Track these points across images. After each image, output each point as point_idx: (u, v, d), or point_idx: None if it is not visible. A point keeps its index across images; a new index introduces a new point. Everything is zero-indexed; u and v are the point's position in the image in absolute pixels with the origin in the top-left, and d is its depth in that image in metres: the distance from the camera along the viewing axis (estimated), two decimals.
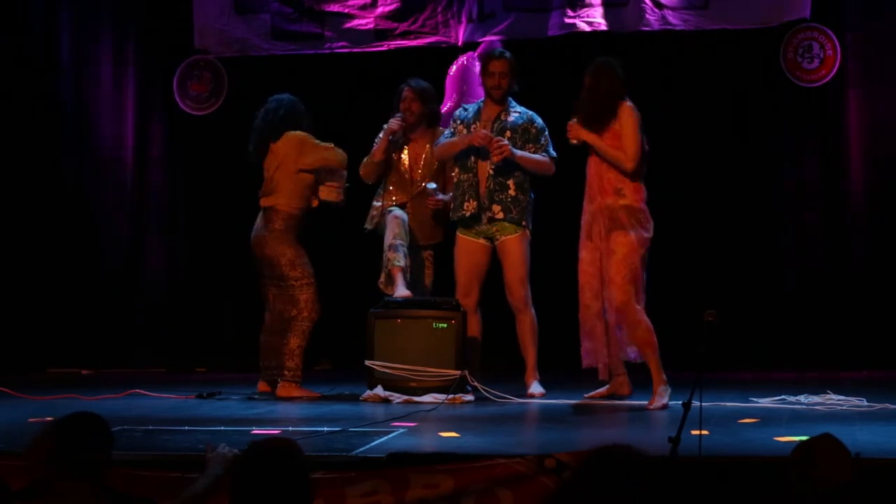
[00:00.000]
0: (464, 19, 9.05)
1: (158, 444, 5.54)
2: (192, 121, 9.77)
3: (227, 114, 9.52)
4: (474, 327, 7.63)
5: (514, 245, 7.58)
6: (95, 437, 3.83)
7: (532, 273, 7.64)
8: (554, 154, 7.63)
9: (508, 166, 7.54)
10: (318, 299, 7.61)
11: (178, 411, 6.97)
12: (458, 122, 7.75)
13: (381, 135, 7.90)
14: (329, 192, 7.69)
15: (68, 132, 9.83)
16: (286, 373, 7.53)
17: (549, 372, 7.70)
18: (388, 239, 7.63)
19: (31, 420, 6.16)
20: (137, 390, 7.73)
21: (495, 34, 8.96)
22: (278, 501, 3.49)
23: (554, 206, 7.90)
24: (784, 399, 6.97)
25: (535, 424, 6.71)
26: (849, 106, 8.97)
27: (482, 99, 7.80)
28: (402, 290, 7.48)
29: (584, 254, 7.11)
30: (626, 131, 6.95)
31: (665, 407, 6.76)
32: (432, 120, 8.02)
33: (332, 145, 7.68)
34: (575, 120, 7.05)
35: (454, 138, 7.68)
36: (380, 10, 9.21)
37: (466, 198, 7.61)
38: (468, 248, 7.66)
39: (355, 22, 9.24)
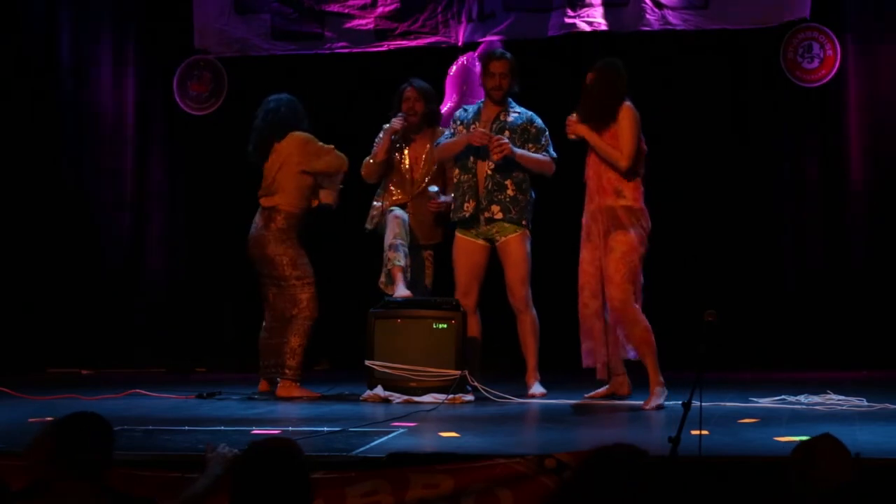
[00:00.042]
0: (464, 19, 9.05)
1: (158, 444, 5.54)
2: (192, 121, 9.78)
3: (227, 114, 9.53)
4: (474, 327, 7.63)
5: (515, 245, 7.58)
6: (95, 437, 3.83)
7: (532, 273, 7.64)
8: (554, 154, 7.63)
9: (508, 166, 7.54)
10: (318, 299, 7.61)
11: (178, 411, 6.97)
12: (458, 122, 7.75)
13: (381, 135, 7.90)
14: (328, 196, 7.71)
15: (68, 132, 9.83)
16: (287, 371, 7.53)
17: (549, 372, 7.69)
18: (389, 239, 7.64)
19: (31, 420, 6.16)
20: (137, 390, 7.73)
21: (495, 34, 8.96)
22: (278, 501, 3.49)
23: (554, 206, 7.90)
24: (784, 399, 6.97)
25: (535, 424, 6.71)
26: (849, 106, 8.97)
27: (482, 100, 7.80)
28: (402, 290, 7.48)
29: (585, 253, 7.11)
30: (623, 130, 6.95)
31: (660, 408, 6.76)
32: (432, 120, 8.03)
33: (334, 148, 7.69)
34: (575, 116, 7.05)
35: (453, 139, 7.68)
36: (380, 10, 9.21)
37: (466, 198, 7.61)
38: (467, 249, 7.66)
39: (355, 22, 9.24)
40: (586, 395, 7.25)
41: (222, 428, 5.94)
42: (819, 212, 9.06)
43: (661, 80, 8.82)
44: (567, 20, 8.90)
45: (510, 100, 7.67)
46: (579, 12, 8.89)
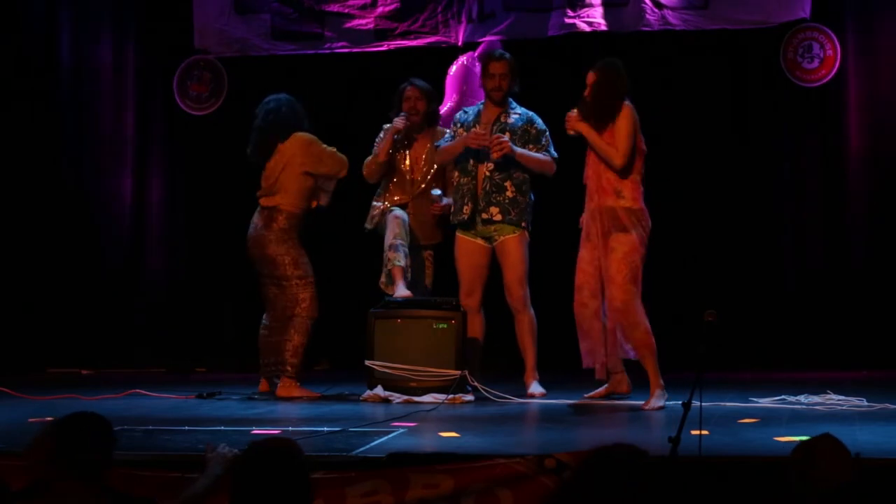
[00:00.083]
0: (464, 19, 9.05)
1: (158, 444, 5.54)
2: (192, 121, 9.78)
3: (227, 114, 9.53)
4: (477, 327, 7.63)
5: (513, 245, 7.58)
6: (95, 437, 3.83)
7: (532, 273, 7.64)
8: (555, 154, 7.63)
9: (508, 166, 7.54)
10: (318, 299, 7.62)
11: (178, 411, 6.97)
12: (458, 125, 7.75)
13: (381, 135, 7.90)
14: (322, 197, 7.74)
15: (68, 132, 9.83)
16: (288, 368, 7.54)
17: (549, 372, 7.70)
18: (389, 239, 7.64)
19: (31, 420, 6.16)
20: (137, 390, 7.73)
21: (495, 34, 8.96)
22: (278, 501, 3.49)
23: (554, 207, 7.90)
24: (784, 399, 6.97)
25: (535, 424, 6.71)
26: (849, 106, 8.97)
27: (482, 101, 7.80)
28: (402, 290, 7.48)
29: (583, 253, 7.11)
30: (619, 129, 6.96)
31: (660, 409, 6.76)
32: (433, 120, 8.03)
33: (336, 150, 7.71)
34: (575, 112, 7.05)
35: (452, 142, 7.69)
36: (380, 10, 9.21)
37: (465, 201, 7.61)
38: (468, 249, 7.66)
39: (355, 22, 9.24)
40: (585, 396, 7.25)
41: (222, 428, 5.94)
42: (819, 212, 9.06)
43: (661, 80, 8.81)
44: (567, 20, 8.90)
45: (511, 100, 7.67)
46: (579, 12, 8.89)
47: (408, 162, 7.94)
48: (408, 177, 7.92)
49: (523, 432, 6.44)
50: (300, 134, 7.66)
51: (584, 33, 8.90)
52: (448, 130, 7.88)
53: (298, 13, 9.33)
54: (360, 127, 8.41)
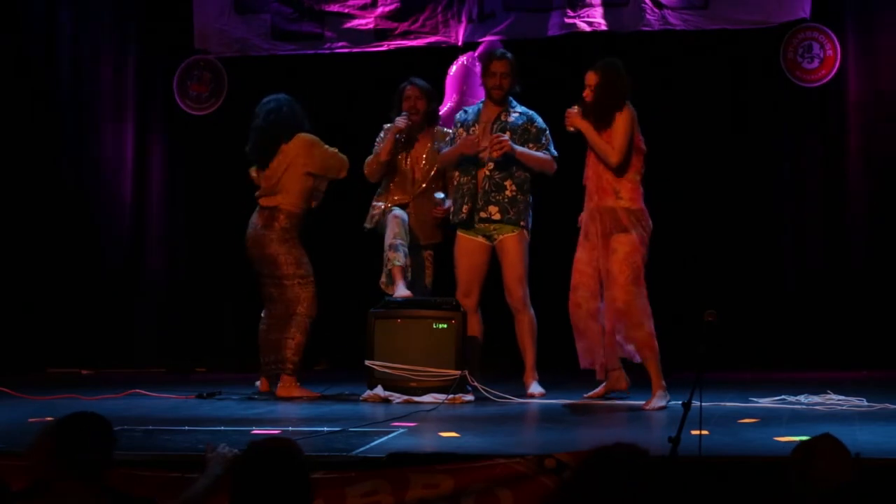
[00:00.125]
0: (464, 19, 9.05)
1: (158, 444, 5.54)
2: (192, 121, 9.77)
3: (227, 114, 9.52)
4: (475, 327, 7.63)
5: (512, 245, 7.58)
6: (96, 437, 3.83)
7: (532, 273, 7.64)
8: (555, 153, 7.63)
9: (508, 165, 7.54)
10: (318, 298, 7.63)
11: (178, 411, 6.97)
12: (459, 125, 7.75)
13: (382, 134, 7.90)
14: (317, 197, 7.75)
15: (68, 132, 9.83)
16: (289, 366, 7.53)
17: (549, 372, 7.70)
18: (389, 238, 7.64)
19: (31, 420, 6.16)
20: (137, 390, 7.73)
21: (495, 34, 8.96)
22: (278, 501, 3.49)
23: (554, 207, 7.90)
24: (784, 399, 6.97)
25: (535, 424, 6.71)
26: (849, 106, 8.97)
27: (482, 100, 7.81)
28: (402, 290, 7.48)
29: (581, 253, 7.11)
30: (617, 127, 6.96)
31: (661, 409, 6.76)
32: (433, 119, 8.03)
33: (337, 151, 7.72)
34: (576, 108, 7.05)
35: (449, 149, 7.70)
36: (380, 10, 9.21)
37: (465, 200, 7.61)
38: (468, 248, 7.66)
39: (355, 22, 9.24)
40: (585, 396, 7.25)
41: (222, 428, 5.95)
42: (819, 212, 9.06)
43: (661, 80, 8.81)
44: (567, 20, 8.90)
45: (511, 99, 7.67)
46: (579, 12, 8.89)
47: (408, 161, 7.94)
48: (409, 176, 7.92)
49: (523, 432, 6.44)
50: (303, 135, 7.67)
51: (584, 33, 8.90)
52: (449, 130, 7.88)
53: (298, 13, 9.33)
54: (360, 127, 8.41)
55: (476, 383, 7.31)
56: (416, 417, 6.42)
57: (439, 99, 8.41)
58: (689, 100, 9.04)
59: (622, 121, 6.96)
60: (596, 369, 7.15)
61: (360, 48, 9.25)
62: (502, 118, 7.62)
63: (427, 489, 4.83)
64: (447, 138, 7.85)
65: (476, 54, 8.84)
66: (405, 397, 7.17)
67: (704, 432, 4.87)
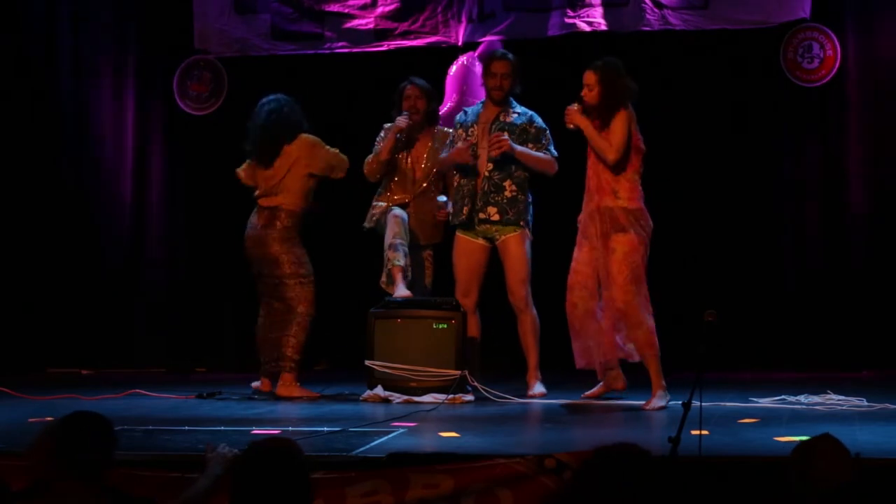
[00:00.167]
0: (464, 19, 9.05)
1: (158, 444, 5.54)
2: (192, 121, 9.77)
3: (227, 114, 9.52)
4: (473, 327, 7.63)
5: (515, 245, 7.58)
6: (96, 437, 3.83)
7: (532, 273, 7.63)
8: (555, 153, 7.63)
9: (508, 165, 7.54)
10: (317, 298, 7.64)
11: (178, 411, 6.97)
12: (459, 126, 7.76)
13: (382, 133, 7.90)
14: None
15: (68, 132, 9.83)
16: (290, 364, 7.54)
17: (550, 372, 7.69)
18: (388, 238, 7.64)
19: (31, 420, 6.16)
20: (137, 390, 7.74)
21: (495, 34, 8.96)
22: (278, 501, 3.50)
23: (553, 207, 7.89)
24: (784, 399, 6.97)
25: (535, 424, 6.71)
26: (849, 106, 8.97)
27: (482, 100, 7.81)
28: (402, 290, 7.48)
29: (579, 253, 7.11)
30: (615, 125, 6.96)
31: (661, 409, 6.75)
32: (433, 118, 8.03)
33: (338, 151, 7.73)
34: (576, 106, 7.05)
35: (444, 156, 7.70)
36: (380, 10, 9.20)
37: (465, 202, 7.61)
38: (467, 249, 7.66)
39: (355, 22, 9.24)
40: (583, 395, 7.26)
41: (222, 428, 5.95)
42: (819, 212, 9.06)
43: (661, 80, 8.80)
44: (567, 20, 8.90)
45: (512, 100, 7.67)
46: (579, 12, 8.88)
47: (409, 161, 7.94)
48: (409, 176, 7.92)
49: (523, 432, 6.44)
50: (305, 136, 7.69)
51: (584, 33, 8.90)
52: (450, 130, 7.89)
53: (298, 13, 9.32)
54: (360, 127, 8.41)
55: (476, 383, 7.31)
56: (416, 417, 6.41)
57: (439, 99, 8.41)
58: (689, 100, 9.04)
59: (620, 119, 6.96)
60: (596, 369, 7.15)
61: (360, 48, 9.24)
62: (501, 118, 7.62)
63: (427, 489, 4.83)
64: (448, 139, 7.85)
65: (476, 54, 8.84)
66: (405, 397, 7.18)
67: (704, 432, 4.87)
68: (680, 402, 4.82)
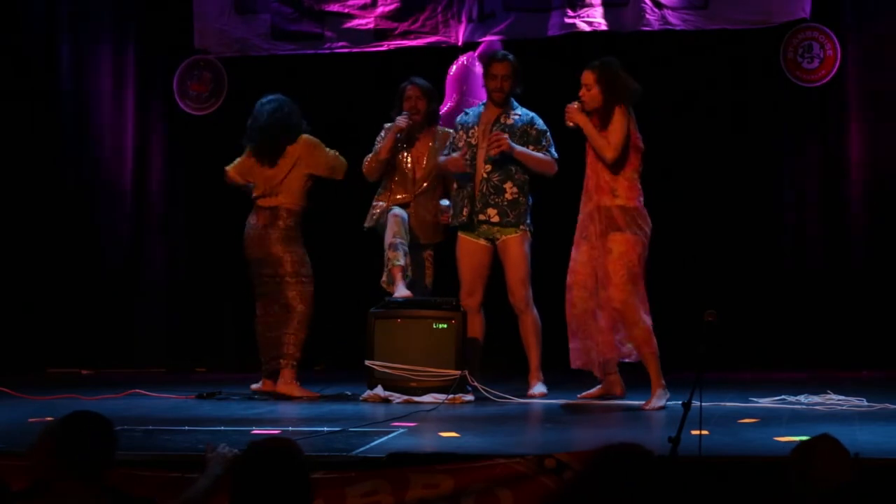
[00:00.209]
0: (464, 19, 9.04)
1: (158, 444, 5.54)
2: (192, 121, 9.77)
3: (227, 114, 9.52)
4: (477, 327, 7.63)
5: (515, 245, 7.58)
6: (96, 437, 3.83)
7: (533, 273, 7.63)
8: (556, 155, 7.63)
9: (508, 166, 7.54)
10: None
11: (178, 411, 6.97)
12: (459, 127, 7.76)
13: (383, 133, 7.90)
14: None
15: (68, 132, 9.83)
16: (291, 361, 7.54)
17: (550, 372, 7.69)
18: (388, 237, 7.64)
19: (31, 420, 6.16)
20: (137, 390, 7.74)
21: (495, 34, 8.96)
22: (278, 501, 3.49)
23: (554, 207, 7.89)
24: (784, 399, 6.97)
25: (535, 424, 6.71)
26: (849, 106, 8.97)
27: (483, 101, 7.81)
28: (402, 290, 7.48)
29: (577, 253, 7.11)
30: (613, 124, 6.96)
31: (661, 409, 6.75)
32: (433, 119, 8.03)
33: (338, 153, 7.75)
34: (576, 104, 7.05)
35: (443, 158, 7.69)
36: (380, 10, 9.20)
37: (465, 203, 7.62)
38: (469, 249, 7.67)
39: (355, 22, 9.24)
40: (580, 395, 7.25)
41: (222, 428, 5.95)
42: (819, 212, 9.06)
43: (661, 80, 8.80)
44: (567, 20, 8.90)
45: (513, 101, 7.68)
46: (579, 12, 8.88)
47: (409, 161, 7.94)
48: (409, 176, 7.92)
49: (523, 432, 6.43)
50: (307, 136, 7.72)
51: (584, 33, 8.90)
52: (451, 131, 7.89)
53: (298, 13, 9.32)
54: (360, 127, 8.41)
55: (476, 383, 7.31)
56: (416, 417, 6.41)
57: (440, 98, 8.41)
58: (689, 100, 9.04)
59: (619, 118, 6.96)
60: (594, 370, 7.14)
61: (360, 48, 9.24)
62: (502, 120, 7.62)
63: (427, 489, 4.83)
64: (449, 139, 7.85)
65: (476, 54, 8.84)
66: (405, 397, 7.18)
67: (704, 432, 4.87)
68: (680, 402, 4.82)
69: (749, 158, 9.08)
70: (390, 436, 5.70)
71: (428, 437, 5.90)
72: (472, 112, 7.81)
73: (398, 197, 7.91)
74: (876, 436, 5.56)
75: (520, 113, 7.66)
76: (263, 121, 7.71)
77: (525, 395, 7.39)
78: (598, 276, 7.01)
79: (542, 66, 8.69)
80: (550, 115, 7.59)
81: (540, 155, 7.59)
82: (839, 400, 6.84)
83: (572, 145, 7.31)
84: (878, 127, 8.93)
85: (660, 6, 8.78)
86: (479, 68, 8.54)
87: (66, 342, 9.55)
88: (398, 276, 7.53)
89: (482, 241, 7.64)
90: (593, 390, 7.23)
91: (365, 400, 7.27)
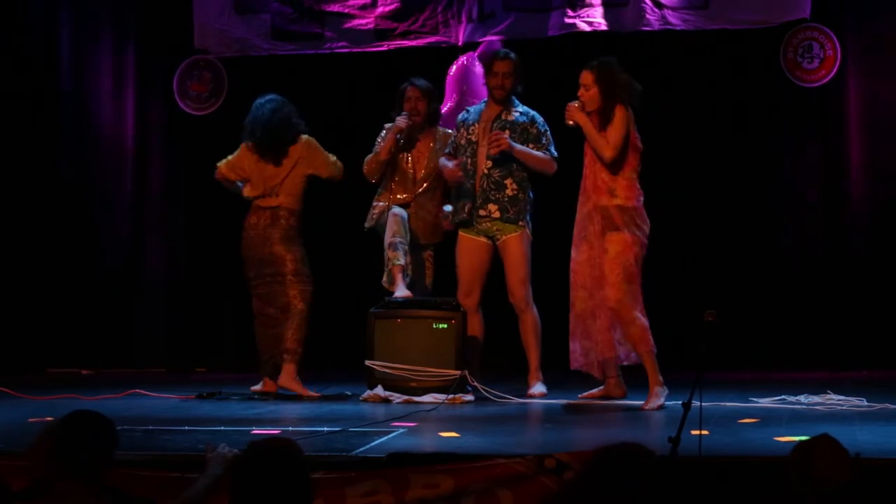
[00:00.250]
0: (464, 19, 9.05)
1: (158, 444, 5.53)
2: (192, 121, 9.77)
3: (227, 114, 9.52)
4: (475, 327, 7.63)
5: (515, 245, 7.58)
6: (96, 437, 3.83)
7: (533, 273, 7.63)
8: (555, 154, 7.64)
9: (507, 164, 7.55)
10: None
11: (178, 411, 6.97)
12: (461, 125, 7.76)
13: (383, 133, 7.90)
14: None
15: (68, 132, 9.84)
16: (293, 356, 7.54)
17: (550, 372, 7.69)
18: (388, 237, 7.64)
19: (31, 420, 6.16)
20: (137, 390, 7.74)
21: (495, 34, 8.96)
22: (278, 501, 3.49)
23: (554, 206, 7.89)
24: (784, 399, 6.96)
25: (535, 424, 6.71)
26: (849, 106, 8.97)
27: (485, 99, 7.81)
28: (402, 290, 7.48)
29: (577, 253, 7.11)
30: (612, 124, 6.96)
31: (661, 407, 6.75)
32: (434, 119, 8.03)
33: (335, 157, 7.76)
34: (577, 103, 7.05)
35: (442, 161, 7.69)
36: (380, 10, 9.20)
37: (466, 200, 7.62)
38: (469, 247, 7.67)
39: (355, 22, 9.24)
40: (581, 396, 7.25)
41: (222, 428, 5.95)
42: (819, 211, 9.06)
43: (661, 80, 8.80)
44: (567, 20, 8.90)
45: (514, 99, 7.68)
46: (579, 12, 8.88)
47: (410, 162, 7.94)
48: (410, 176, 7.92)
49: (523, 432, 6.43)
50: (306, 137, 7.74)
51: (584, 33, 8.90)
52: (451, 131, 7.89)
53: (298, 13, 9.32)
54: (360, 127, 8.41)
55: (476, 383, 7.31)
56: (416, 417, 6.41)
57: (440, 99, 8.41)
58: (689, 100, 9.04)
59: (618, 118, 6.97)
60: (594, 371, 7.14)
61: (360, 48, 9.24)
62: (503, 117, 7.63)
63: (427, 489, 4.83)
64: (450, 140, 7.86)
65: (476, 54, 8.84)
66: (405, 397, 7.18)
67: (704, 432, 4.86)
68: (680, 402, 4.82)
69: (749, 158, 9.08)
70: (390, 436, 5.69)
71: (428, 437, 5.90)
72: (473, 110, 7.81)
73: (399, 197, 7.91)
74: (876, 436, 5.56)
75: (521, 111, 7.67)
76: (267, 118, 7.71)
77: (525, 395, 7.39)
78: (595, 276, 7.01)
79: (542, 66, 8.69)
80: (550, 115, 7.59)
81: (540, 154, 7.59)
82: (839, 400, 6.84)
83: (573, 145, 7.31)
84: (878, 127, 8.94)
85: (660, 6, 8.78)
86: (479, 68, 8.54)
87: (66, 342, 9.55)
88: (398, 275, 7.53)
89: (482, 239, 7.64)
90: (594, 391, 7.23)
91: (365, 400, 7.27)
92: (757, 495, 4.57)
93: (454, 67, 8.85)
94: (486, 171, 7.58)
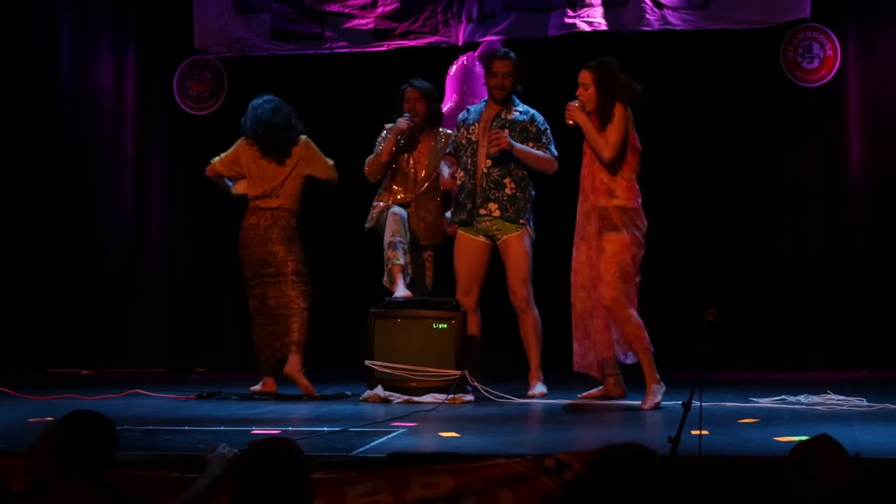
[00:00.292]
0: (464, 19, 9.05)
1: (158, 444, 5.54)
2: (192, 121, 9.77)
3: (227, 114, 9.51)
4: (474, 327, 7.63)
5: (516, 244, 7.58)
6: (96, 437, 3.83)
7: (533, 272, 7.63)
8: (556, 153, 7.64)
9: (507, 163, 7.55)
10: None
11: (178, 411, 6.97)
12: (461, 125, 7.77)
13: (384, 134, 7.90)
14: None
15: (68, 132, 9.84)
16: (297, 347, 7.55)
17: (550, 372, 7.69)
18: (388, 237, 7.65)
19: (31, 420, 6.16)
20: (137, 390, 7.74)
21: (495, 34, 8.96)
22: (278, 501, 3.49)
23: (554, 206, 7.89)
24: (784, 399, 6.96)
25: (535, 424, 6.71)
26: (849, 106, 8.97)
27: (485, 99, 7.82)
28: (402, 290, 7.49)
29: (577, 253, 7.12)
30: (612, 124, 6.97)
31: (658, 405, 6.74)
32: (435, 119, 8.03)
33: (332, 162, 7.79)
34: (577, 102, 7.05)
35: (441, 164, 7.69)
36: (380, 10, 9.21)
37: (467, 199, 7.62)
38: (468, 246, 7.66)
39: (355, 22, 9.24)
40: (580, 396, 7.25)
41: (222, 428, 5.95)
42: (819, 212, 9.06)
43: (661, 80, 8.80)
44: (567, 20, 8.91)
45: (515, 98, 7.68)
46: (579, 12, 8.89)
47: (410, 162, 7.95)
48: (410, 176, 7.93)
49: (523, 432, 6.43)
50: (305, 138, 7.76)
51: (584, 33, 8.90)
52: (451, 132, 7.89)
53: (298, 13, 9.33)
54: (360, 127, 8.41)
55: (476, 383, 7.31)
56: (416, 417, 6.41)
57: (440, 99, 8.41)
58: (689, 100, 9.04)
59: (617, 118, 6.97)
60: (594, 372, 7.14)
61: (360, 48, 9.25)
62: (503, 116, 7.63)
63: (427, 489, 4.83)
64: (450, 140, 7.86)
65: (476, 54, 8.84)
66: (405, 397, 7.18)
67: (704, 432, 4.87)
68: (680, 402, 4.82)
69: (749, 158, 9.08)
70: (390, 436, 5.69)
71: (428, 437, 5.90)
72: (474, 109, 7.82)
73: (399, 197, 7.92)
74: (876, 436, 5.56)
75: (521, 110, 7.67)
76: (268, 118, 7.71)
77: (525, 395, 7.39)
78: (593, 276, 7.01)
79: (542, 66, 8.69)
80: (550, 115, 7.59)
81: (540, 153, 7.59)
82: (839, 400, 6.84)
83: (573, 144, 7.31)
84: (878, 127, 8.94)
85: (660, 6, 8.78)
86: (479, 68, 8.54)
87: (66, 342, 9.55)
88: (398, 275, 7.53)
89: (481, 238, 7.64)
90: (593, 391, 7.23)
91: (365, 400, 7.27)
92: (757, 495, 4.57)
93: (454, 67, 8.86)
94: (485, 170, 7.58)
